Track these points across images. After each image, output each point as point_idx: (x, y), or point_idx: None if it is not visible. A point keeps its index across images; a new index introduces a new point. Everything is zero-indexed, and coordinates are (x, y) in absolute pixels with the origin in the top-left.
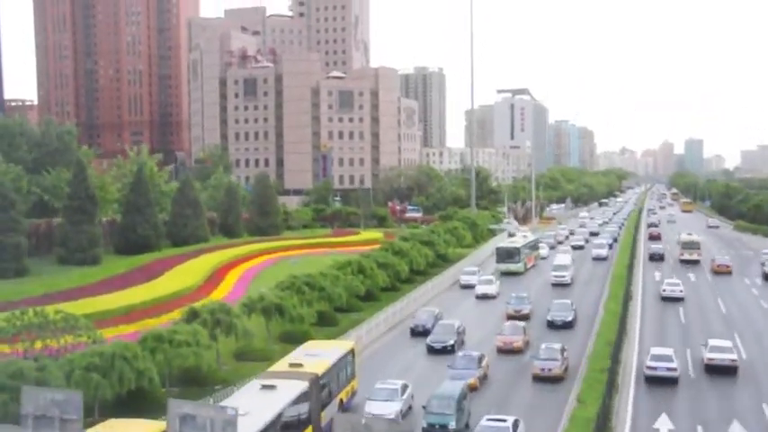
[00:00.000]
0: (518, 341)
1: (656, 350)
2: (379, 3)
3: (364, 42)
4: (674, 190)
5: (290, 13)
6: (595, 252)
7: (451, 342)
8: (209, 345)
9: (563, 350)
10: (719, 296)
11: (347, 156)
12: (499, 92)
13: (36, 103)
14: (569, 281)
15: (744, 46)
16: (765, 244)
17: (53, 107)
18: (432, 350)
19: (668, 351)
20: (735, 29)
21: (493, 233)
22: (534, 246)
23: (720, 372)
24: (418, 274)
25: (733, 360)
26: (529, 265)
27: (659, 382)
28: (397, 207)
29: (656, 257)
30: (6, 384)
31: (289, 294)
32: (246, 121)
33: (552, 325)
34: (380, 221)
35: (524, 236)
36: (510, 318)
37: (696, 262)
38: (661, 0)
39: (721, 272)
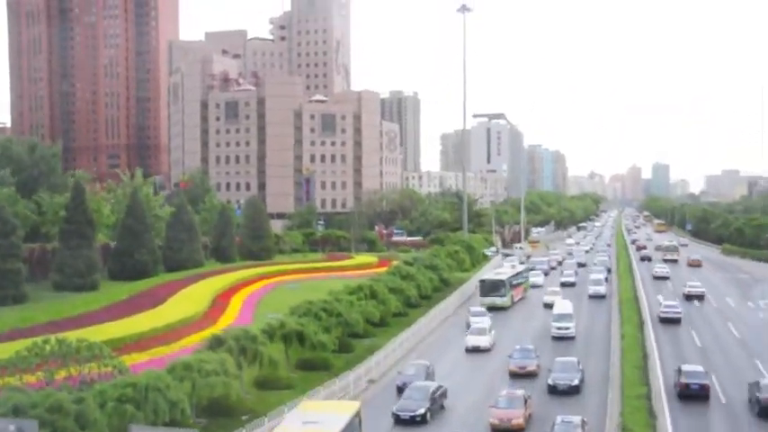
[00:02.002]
0: (518, 417)
1: (666, 302)
2: (356, 27)
3: (345, 66)
4: (646, 213)
5: (271, 37)
6: (593, 289)
7: (422, 411)
8: (237, 374)
9: (584, 424)
10: (692, 274)
11: (329, 179)
12: (475, 116)
13: (9, 125)
14: (574, 333)
15: (711, 69)
16: (760, 268)
17: (27, 130)
18: (399, 421)
19: (675, 302)
20: (702, 55)
21: (486, 257)
22: (522, 276)
23: (694, 297)
24: (423, 299)
25: (702, 291)
26: (516, 298)
27: (670, 322)
28: (384, 231)
29: (645, 259)
30: (45, 418)
31: (309, 321)
32: (228, 144)
33: (555, 390)
34: (370, 245)
35: (512, 265)
36: (513, 375)
37: (675, 261)
38: (628, 24)
39: (694, 265)
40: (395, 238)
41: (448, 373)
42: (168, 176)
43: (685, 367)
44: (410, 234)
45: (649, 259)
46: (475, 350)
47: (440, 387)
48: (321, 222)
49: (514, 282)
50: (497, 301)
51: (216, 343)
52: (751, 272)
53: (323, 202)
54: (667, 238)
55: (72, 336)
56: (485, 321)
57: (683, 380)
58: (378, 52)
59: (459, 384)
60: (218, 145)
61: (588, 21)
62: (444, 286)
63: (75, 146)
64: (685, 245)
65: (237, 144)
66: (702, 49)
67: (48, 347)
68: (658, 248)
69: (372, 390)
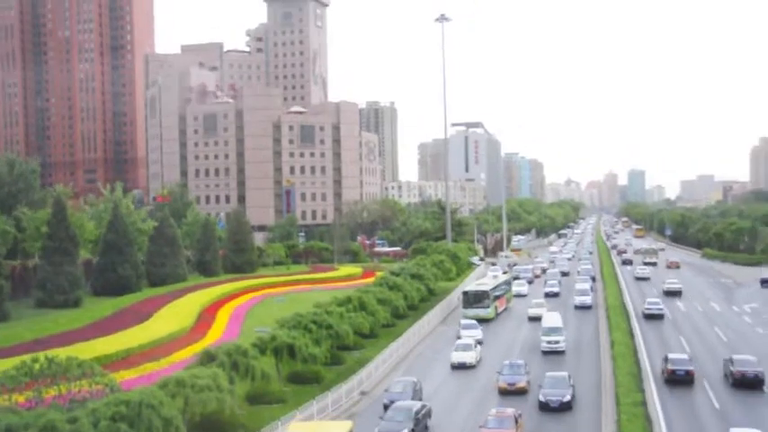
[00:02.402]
0: None
1: (650, 299)
2: (332, 38)
3: (322, 77)
4: (625, 218)
5: (248, 49)
6: (579, 300)
7: None
8: (230, 389)
9: None
10: (668, 273)
11: (309, 191)
12: (453, 125)
13: None
14: (564, 347)
15: (684, 76)
16: (740, 272)
17: (2, 146)
18: None
19: (658, 299)
20: (675, 62)
21: (472, 266)
22: (505, 287)
23: (673, 294)
24: (411, 309)
25: (679, 288)
26: (500, 309)
27: (655, 318)
28: (367, 241)
29: (626, 263)
30: None
31: (301, 334)
32: (207, 157)
33: (546, 407)
34: (353, 256)
35: (494, 276)
36: (503, 392)
37: (654, 263)
38: (602, 33)
39: (672, 266)
40: (376, 249)
41: (434, 390)
42: (147, 190)
43: (671, 355)
44: (391, 244)
45: (630, 263)
46: (461, 367)
47: (424, 406)
48: (301, 234)
49: (497, 293)
50: (481, 312)
51: (207, 358)
52: (732, 276)
53: (303, 214)
54: (646, 243)
55: (59, 353)
56: (475, 334)
57: (670, 366)
58: (353, 63)
59: (445, 402)
60: (196, 158)
61: (563, 30)
62: (431, 296)
63: (51, 161)
64: (662, 249)
65: (216, 157)
66: (675, 56)
67: (37, 366)
68: (637, 252)
69: (364, 402)
